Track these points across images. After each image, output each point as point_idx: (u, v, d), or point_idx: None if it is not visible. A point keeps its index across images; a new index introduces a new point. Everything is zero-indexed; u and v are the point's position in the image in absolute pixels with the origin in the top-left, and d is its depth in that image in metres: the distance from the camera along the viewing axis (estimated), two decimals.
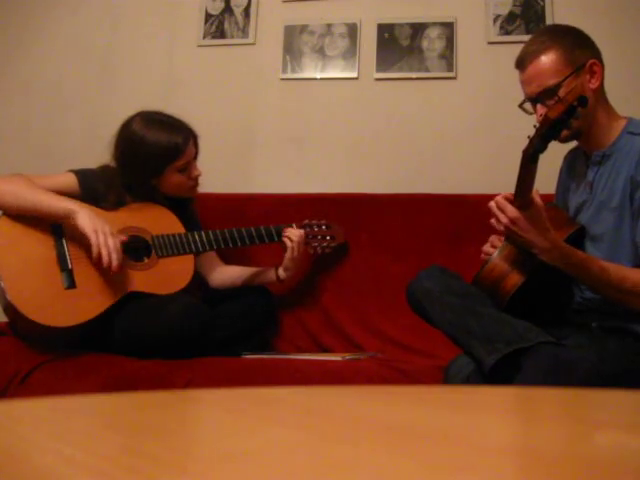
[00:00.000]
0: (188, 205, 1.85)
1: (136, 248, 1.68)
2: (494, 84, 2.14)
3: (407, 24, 2.26)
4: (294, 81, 2.34)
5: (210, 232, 1.77)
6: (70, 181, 1.68)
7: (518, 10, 2.18)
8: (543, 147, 1.16)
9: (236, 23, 2.39)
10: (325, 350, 1.84)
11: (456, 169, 2.18)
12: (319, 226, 1.92)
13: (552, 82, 1.30)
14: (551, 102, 1.29)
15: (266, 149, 2.34)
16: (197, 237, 1.75)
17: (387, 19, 2.27)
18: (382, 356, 1.69)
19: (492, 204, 1.26)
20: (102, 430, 0.41)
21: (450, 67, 2.21)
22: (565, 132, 1.25)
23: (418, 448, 0.34)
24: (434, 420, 0.43)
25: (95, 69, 2.48)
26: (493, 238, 1.44)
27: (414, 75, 2.24)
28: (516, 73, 1.40)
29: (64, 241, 1.60)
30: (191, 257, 1.73)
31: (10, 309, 1.51)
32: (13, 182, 1.59)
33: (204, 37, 2.41)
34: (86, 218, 1.53)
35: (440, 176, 2.17)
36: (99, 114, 2.42)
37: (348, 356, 1.61)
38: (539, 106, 1.34)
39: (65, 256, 1.58)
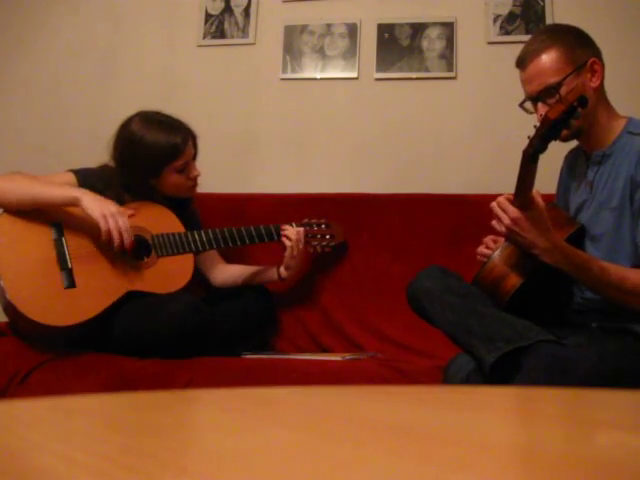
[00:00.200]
0: (188, 205, 1.86)
1: (136, 247, 1.68)
2: (494, 84, 2.14)
3: (407, 24, 2.26)
4: (294, 81, 2.34)
5: (210, 231, 1.77)
6: (69, 180, 1.68)
7: (518, 10, 2.18)
8: (543, 147, 1.16)
9: (236, 23, 2.39)
10: (325, 350, 1.84)
11: (456, 169, 2.18)
12: (318, 225, 1.92)
13: (553, 80, 1.30)
14: (552, 101, 1.29)
15: (266, 149, 2.34)
16: (197, 236, 1.75)
17: (387, 19, 2.27)
18: (382, 356, 1.69)
19: (494, 205, 1.26)
20: (102, 430, 0.41)
21: (450, 67, 2.21)
22: (565, 132, 1.25)
23: (418, 448, 0.34)
24: (434, 420, 0.43)
25: (95, 69, 2.48)
26: (487, 240, 1.44)
27: (414, 75, 2.23)
28: (516, 73, 1.40)
29: (64, 240, 1.60)
30: (191, 256, 1.73)
31: (10, 308, 1.51)
32: (11, 179, 1.60)
33: (204, 37, 2.41)
34: (91, 202, 1.54)
35: (440, 176, 2.17)
36: (99, 114, 2.42)
37: (348, 356, 1.61)
38: (540, 105, 1.34)
39: (65, 255, 1.58)
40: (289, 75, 2.33)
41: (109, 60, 2.48)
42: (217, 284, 1.87)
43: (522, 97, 1.39)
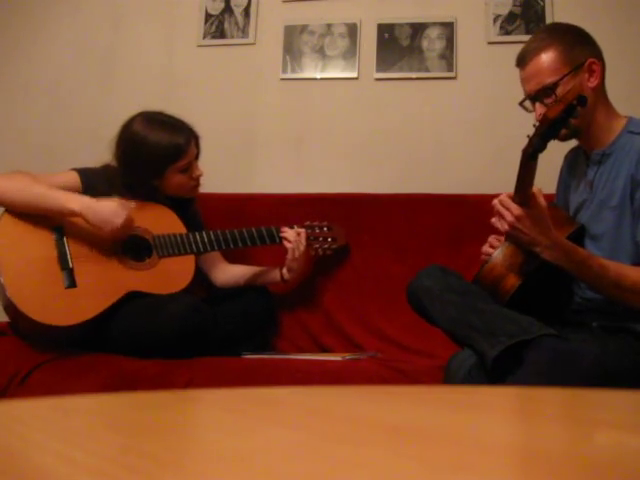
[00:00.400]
0: (189, 205, 1.85)
1: (137, 248, 1.68)
2: (494, 84, 2.14)
3: (407, 24, 2.26)
4: (294, 81, 2.34)
5: (211, 233, 1.77)
6: (73, 180, 1.68)
7: (518, 10, 2.18)
8: (542, 146, 1.16)
9: (236, 23, 2.39)
10: (325, 350, 1.84)
11: (456, 169, 2.18)
12: (320, 227, 1.92)
13: (550, 81, 1.31)
14: (549, 100, 1.29)
15: (266, 149, 2.34)
16: (198, 237, 1.75)
17: (387, 19, 2.27)
18: (382, 356, 1.69)
19: (496, 202, 1.26)
20: (102, 430, 0.41)
21: (450, 67, 2.20)
22: (564, 131, 1.25)
23: (418, 448, 0.34)
24: (434, 420, 0.43)
25: (95, 69, 2.48)
26: (492, 239, 1.44)
27: (414, 75, 2.23)
28: (516, 73, 1.40)
29: (65, 240, 1.60)
30: (192, 257, 1.73)
31: (10, 308, 1.51)
32: (16, 179, 1.59)
33: (204, 37, 2.41)
34: (96, 218, 1.55)
35: (440, 176, 2.17)
36: (99, 114, 2.42)
37: (348, 356, 1.61)
38: (538, 104, 1.34)
39: (66, 255, 1.58)
40: (289, 75, 2.33)
41: (109, 60, 2.48)
42: (218, 284, 1.87)
43: (522, 97, 1.39)
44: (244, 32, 2.38)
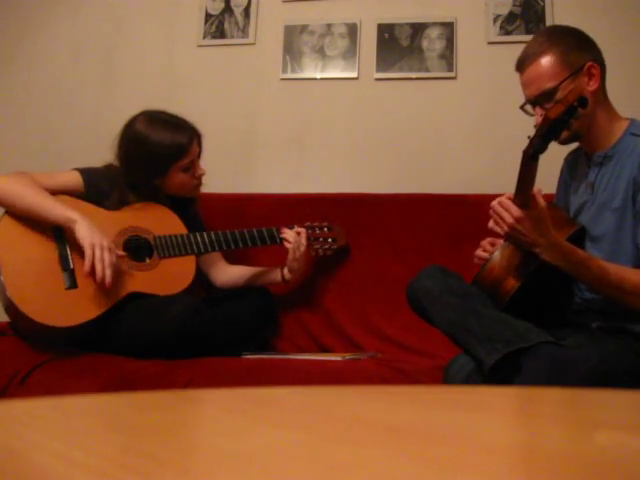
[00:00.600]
0: (191, 206, 1.85)
1: (138, 248, 1.68)
2: (494, 84, 2.14)
3: (407, 24, 2.26)
4: (294, 81, 2.34)
5: (212, 233, 1.77)
6: (75, 179, 1.68)
7: (518, 10, 2.18)
8: (543, 147, 1.16)
9: (236, 23, 2.39)
10: (325, 350, 1.84)
11: (456, 169, 2.18)
12: (321, 228, 1.92)
13: (549, 85, 1.31)
14: (549, 105, 1.29)
15: (266, 149, 2.34)
16: (199, 238, 1.75)
17: (387, 19, 2.27)
18: (382, 356, 1.69)
19: (495, 204, 1.26)
20: (102, 430, 0.41)
21: (450, 67, 2.21)
22: (565, 133, 1.25)
23: (418, 448, 0.34)
24: (434, 420, 0.43)
25: (95, 69, 2.48)
26: (485, 243, 1.45)
27: (414, 75, 2.23)
28: (516, 73, 1.40)
29: (66, 241, 1.60)
30: (193, 258, 1.73)
31: (11, 308, 1.51)
32: (17, 181, 1.59)
33: (204, 37, 2.41)
34: (85, 230, 1.53)
35: (440, 176, 2.17)
36: (99, 114, 2.42)
37: (348, 356, 1.61)
38: (538, 109, 1.34)
39: (67, 256, 1.58)
40: (289, 75, 2.33)
41: (109, 60, 2.48)
42: (218, 285, 1.87)
43: (522, 97, 1.40)
44: (244, 32, 2.38)
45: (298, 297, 1.96)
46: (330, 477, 0.28)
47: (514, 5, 2.18)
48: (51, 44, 2.53)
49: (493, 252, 1.36)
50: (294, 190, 2.15)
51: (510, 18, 2.18)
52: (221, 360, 1.52)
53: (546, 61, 1.32)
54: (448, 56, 2.21)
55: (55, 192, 1.62)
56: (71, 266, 1.57)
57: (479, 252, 1.43)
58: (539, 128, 1.16)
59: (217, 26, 2.41)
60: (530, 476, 0.29)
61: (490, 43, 2.19)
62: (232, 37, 2.39)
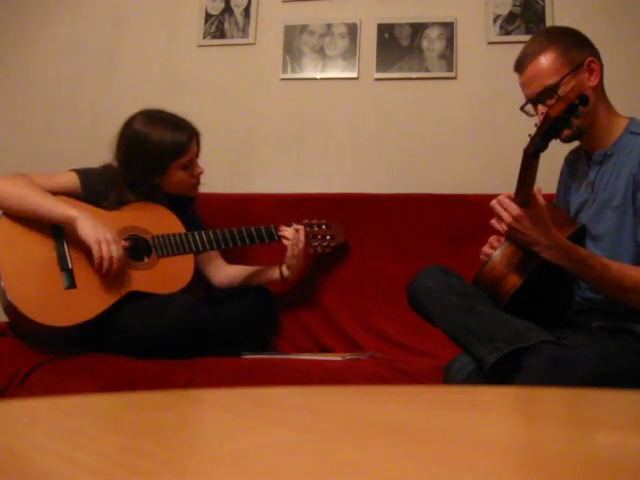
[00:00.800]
0: (189, 205, 1.86)
1: (136, 248, 1.68)
2: (494, 84, 2.14)
3: (407, 24, 2.26)
4: (294, 81, 2.34)
5: (210, 232, 1.78)
6: (72, 180, 1.68)
7: (518, 10, 2.18)
8: (544, 145, 1.16)
9: (236, 23, 2.39)
10: (325, 350, 1.84)
11: (456, 169, 2.18)
12: (319, 226, 1.92)
13: (551, 81, 1.31)
14: (551, 101, 1.29)
15: (266, 149, 2.34)
16: (197, 237, 1.75)
17: (387, 19, 2.27)
18: (382, 356, 1.69)
19: (494, 203, 1.26)
20: (102, 430, 0.41)
21: (450, 67, 2.21)
22: (567, 131, 1.25)
23: (418, 448, 0.34)
24: (434, 420, 0.43)
25: (95, 69, 2.48)
26: (492, 239, 1.44)
27: (414, 75, 2.23)
28: (516, 73, 1.40)
29: (64, 241, 1.60)
30: (191, 257, 1.73)
31: (11, 309, 1.51)
32: (15, 183, 1.59)
33: (204, 37, 2.41)
34: (88, 226, 1.54)
35: (440, 176, 2.17)
36: (99, 114, 2.42)
37: (348, 356, 1.61)
38: (540, 107, 1.34)
39: (65, 256, 1.58)
40: (289, 75, 2.33)
41: (109, 60, 2.48)
42: (216, 284, 1.87)
43: (522, 97, 1.39)
44: (244, 32, 2.38)
45: (298, 297, 1.96)
46: (330, 477, 0.28)
47: (514, 5, 2.18)
48: (51, 44, 2.53)
49: (492, 253, 1.36)
50: (294, 190, 2.15)
51: (510, 18, 2.18)
52: (221, 360, 1.53)
53: (546, 58, 1.32)
54: (448, 56, 2.21)
55: (53, 193, 1.62)
56: (70, 266, 1.57)
57: (486, 248, 1.43)
58: (540, 126, 1.15)
59: (217, 26, 2.41)
60: (530, 476, 0.29)
61: (490, 43, 2.19)
62: (232, 37, 2.39)
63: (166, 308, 1.55)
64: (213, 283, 1.88)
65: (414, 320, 1.42)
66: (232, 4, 2.40)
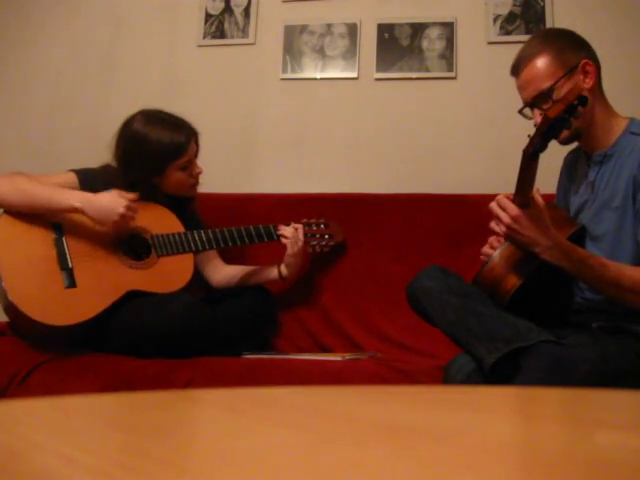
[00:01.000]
0: (188, 204, 1.86)
1: (136, 247, 1.68)
2: (494, 84, 2.14)
3: (407, 24, 2.26)
4: (294, 81, 2.34)
5: (209, 231, 1.78)
6: (71, 181, 1.68)
7: (518, 10, 2.18)
8: (543, 146, 1.16)
9: (236, 23, 2.39)
10: (325, 350, 1.84)
11: (456, 169, 2.18)
12: (317, 225, 1.92)
13: (545, 85, 1.31)
14: (547, 106, 1.29)
15: (266, 149, 2.34)
16: (196, 236, 1.75)
17: (387, 19, 2.27)
18: (382, 356, 1.69)
19: (493, 204, 1.26)
20: (102, 430, 0.41)
21: (450, 67, 2.21)
22: (565, 132, 1.25)
23: (418, 448, 0.34)
24: (434, 420, 0.43)
25: (95, 69, 2.48)
26: (492, 239, 1.44)
27: (414, 75, 2.23)
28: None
29: (64, 240, 1.60)
30: (191, 256, 1.73)
31: (11, 308, 1.51)
32: (15, 180, 1.59)
33: (204, 37, 2.41)
34: (96, 212, 1.56)
35: (440, 176, 2.17)
36: (99, 114, 2.42)
37: (348, 356, 1.61)
38: (536, 111, 1.34)
39: (65, 255, 1.58)
40: (289, 75, 2.33)
41: (109, 60, 2.48)
42: (214, 283, 1.87)
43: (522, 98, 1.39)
44: (244, 32, 2.38)
45: (298, 297, 1.96)
46: (330, 477, 0.28)
47: (514, 5, 2.18)
48: (51, 44, 2.53)
49: (492, 253, 1.36)
50: (294, 190, 2.15)
51: (510, 18, 2.18)
52: (221, 360, 1.53)
53: (541, 62, 1.32)
54: (448, 56, 2.21)
55: None
56: (70, 265, 1.57)
57: (485, 249, 1.43)
58: (539, 127, 1.16)
59: (217, 26, 2.41)
60: (530, 476, 0.29)
61: (490, 43, 2.19)
62: (232, 37, 2.39)
63: (166, 307, 1.55)
64: (211, 283, 1.88)
65: (414, 320, 1.42)
66: (232, 4, 2.40)
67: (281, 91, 2.34)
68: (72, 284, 1.56)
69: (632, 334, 1.26)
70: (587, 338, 1.28)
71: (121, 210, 1.55)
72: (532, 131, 1.18)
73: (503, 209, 1.24)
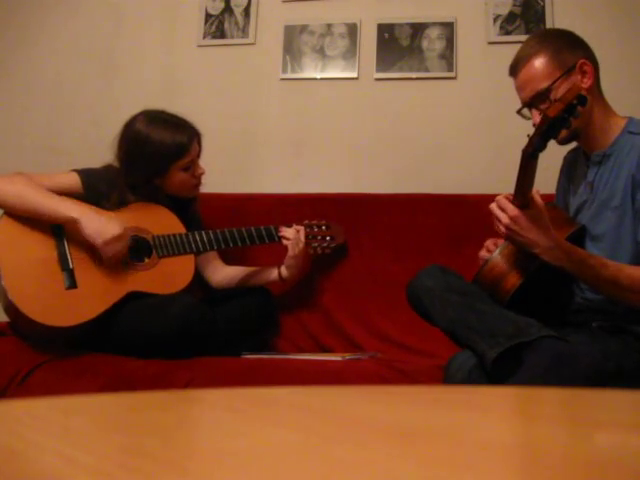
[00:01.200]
0: (190, 205, 1.86)
1: (137, 248, 1.68)
2: (494, 84, 2.14)
3: (407, 24, 2.26)
4: (294, 81, 2.34)
5: (210, 232, 1.78)
6: (73, 181, 1.68)
7: (518, 10, 2.18)
8: (543, 146, 1.16)
9: (236, 23, 2.39)
10: (325, 350, 1.84)
11: (456, 169, 2.18)
12: (319, 226, 1.92)
13: (543, 86, 1.31)
14: (545, 106, 1.29)
15: (266, 149, 2.34)
16: (197, 237, 1.75)
17: (387, 19, 2.27)
18: (382, 356, 1.69)
19: (493, 205, 1.26)
20: (102, 430, 0.41)
21: (450, 67, 2.21)
22: (564, 132, 1.25)
23: (418, 448, 0.34)
24: (434, 420, 0.43)
25: (95, 69, 2.48)
26: (488, 243, 1.44)
27: (414, 75, 2.23)
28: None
29: (65, 241, 1.60)
30: (192, 257, 1.73)
31: (11, 309, 1.51)
32: (16, 182, 1.59)
33: (204, 37, 2.41)
34: (90, 228, 1.54)
35: (440, 176, 2.17)
36: (99, 114, 2.42)
37: (348, 356, 1.61)
38: (534, 111, 1.34)
39: (66, 256, 1.58)
40: (289, 75, 2.33)
41: (109, 60, 2.48)
42: (213, 284, 1.87)
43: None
44: (244, 32, 2.38)
45: (299, 297, 1.96)
46: (330, 477, 0.28)
47: (514, 5, 2.18)
48: (51, 44, 2.53)
49: (489, 256, 1.36)
50: (294, 190, 2.15)
51: (510, 18, 2.18)
52: (221, 360, 1.53)
53: (538, 62, 1.33)
54: (448, 56, 2.21)
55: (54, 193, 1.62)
56: (70, 266, 1.57)
57: (482, 253, 1.43)
58: (538, 127, 1.16)
59: (217, 26, 2.41)
60: (530, 476, 0.29)
61: (490, 43, 2.19)
62: (232, 37, 2.39)
63: (167, 308, 1.55)
64: (211, 284, 1.88)
65: (414, 320, 1.42)
66: (232, 4, 2.40)
67: (281, 91, 2.34)
68: (73, 285, 1.56)
69: (632, 334, 1.26)
70: (587, 337, 1.28)
71: (114, 232, 1.55)
72: (532, 131, 1.18)
73: (502, 210, 1.23)
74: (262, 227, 1.83)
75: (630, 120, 1.34)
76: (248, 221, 1.89)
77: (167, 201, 1.76)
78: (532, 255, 1.25)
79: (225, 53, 2.40)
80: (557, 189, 1.58)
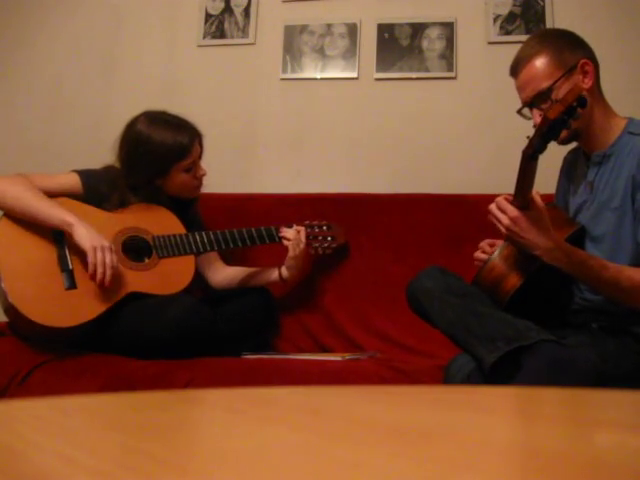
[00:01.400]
0: (191, 206, 1.85)
1: (137, 248, 1.68)
2: (494, 84, 2.14)
3: (407, 24, 2.26)
4: (294, 81, 2.34)
5: (211, 233, 1.77)
6: (73, 181, 1.67)
7: (518, 10, 2.18)
8: (542, 147, 1.16)
9: (236, 23, 2.39)
10: (325, 350, 1.84)
11: (456, 169, 2.18)
12: (320, 227, 1.92)
13: (544, 85, 1.31)
14: (545, 106, 1.29)
15: (266, 149, 2.34)
16: (198, 238, 1.75)
17: (387, 19, 2.27)
18: (382, 356, 1.69)
19: (492, 206, 1.26)
20: (102, 430, 0.41)
21: (450, 67, 2.21)
22: (564, 133, 1.24)
23: (418, 448, 0.34)
24: (434, 420, 0.43)
25: (95, 69, 2.48)
26: (483, 244, 1.44)
27: (414, 75, 2.23)
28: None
29: (65, 242, 1.60)
30: (192, 258, 1.73)
31: (11, 310, 1.51)
32: (13, 183, 1.59)
33: (204, 37, 2.41)
34: (83, 233, 1.53)
35: (440, 176, 2.17)
36: (99, 115, 2.42)
37: (348, 356, 1.61)
38: (535, 111, 1.34)
39: (65, 256, 1.58)
40: (289, 75, 2.33)
41: (110, 60, 2.48)
42: (214, 285, 1.87)
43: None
44: (244, 32, 2.38)
45: (298, 297, 1.96)
46: (330, 477, 0.28)
47: (514, 5, 2.18)
48: (51, 44, 2.53)
49: (493, 252, 1.36)
50: (294, 190, 2.15)
51: (510, 18, 2.18)
52: (221, 360, 1.53)
53: (539, 62, 1.32)
54: (448, 56, 2.21)
55: (54, 194, 1.62)
56: (70, 267, 1.57)
57: (478, 254, 1.43)
58: (538, 128, 1.15)
59: (217, 26, 2.41)
60: (530, 476, 0.29)
61: (490, 43, 2.19)
62: (232, 37, 2.39)
63: (167, 309, 1.54)
64: (211, 284, 1.88)
65: (414, 320, 1.42)
66: (232, 4, 2.40)
67: (281, 91, 2.34)
68: (72, 285, 1.56)
69: (632, 335, 1.26)
70: (587, 338, 1.28)
71: (105, 243, 1.54)
72: (532, 131, 1.18)
73: (502, 211, 1.23)
74: (262, 228, 1.83)
75: (630, 120, 1.34)
76: (248, 221, 1.89)
77: (168, 202, 1.76)
78: (532, 256, 1.25)
79: (225, 53, 2.40)
80: (557, 189, 1.58)
